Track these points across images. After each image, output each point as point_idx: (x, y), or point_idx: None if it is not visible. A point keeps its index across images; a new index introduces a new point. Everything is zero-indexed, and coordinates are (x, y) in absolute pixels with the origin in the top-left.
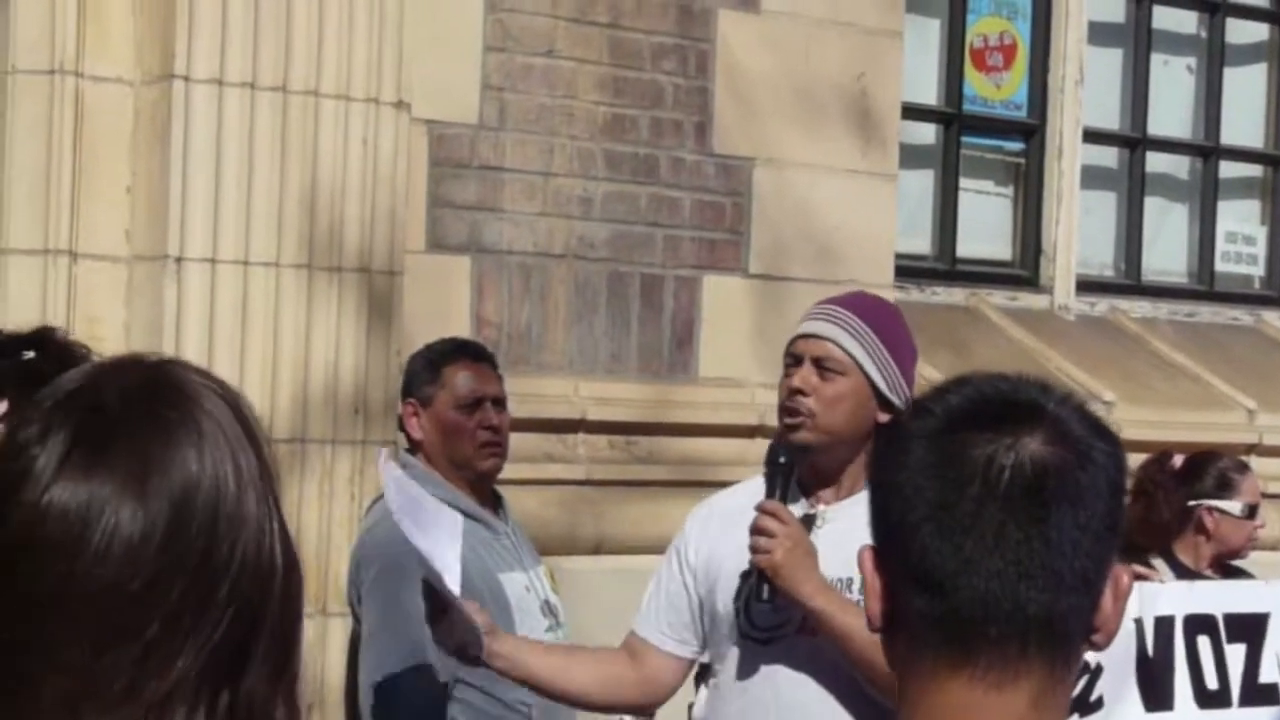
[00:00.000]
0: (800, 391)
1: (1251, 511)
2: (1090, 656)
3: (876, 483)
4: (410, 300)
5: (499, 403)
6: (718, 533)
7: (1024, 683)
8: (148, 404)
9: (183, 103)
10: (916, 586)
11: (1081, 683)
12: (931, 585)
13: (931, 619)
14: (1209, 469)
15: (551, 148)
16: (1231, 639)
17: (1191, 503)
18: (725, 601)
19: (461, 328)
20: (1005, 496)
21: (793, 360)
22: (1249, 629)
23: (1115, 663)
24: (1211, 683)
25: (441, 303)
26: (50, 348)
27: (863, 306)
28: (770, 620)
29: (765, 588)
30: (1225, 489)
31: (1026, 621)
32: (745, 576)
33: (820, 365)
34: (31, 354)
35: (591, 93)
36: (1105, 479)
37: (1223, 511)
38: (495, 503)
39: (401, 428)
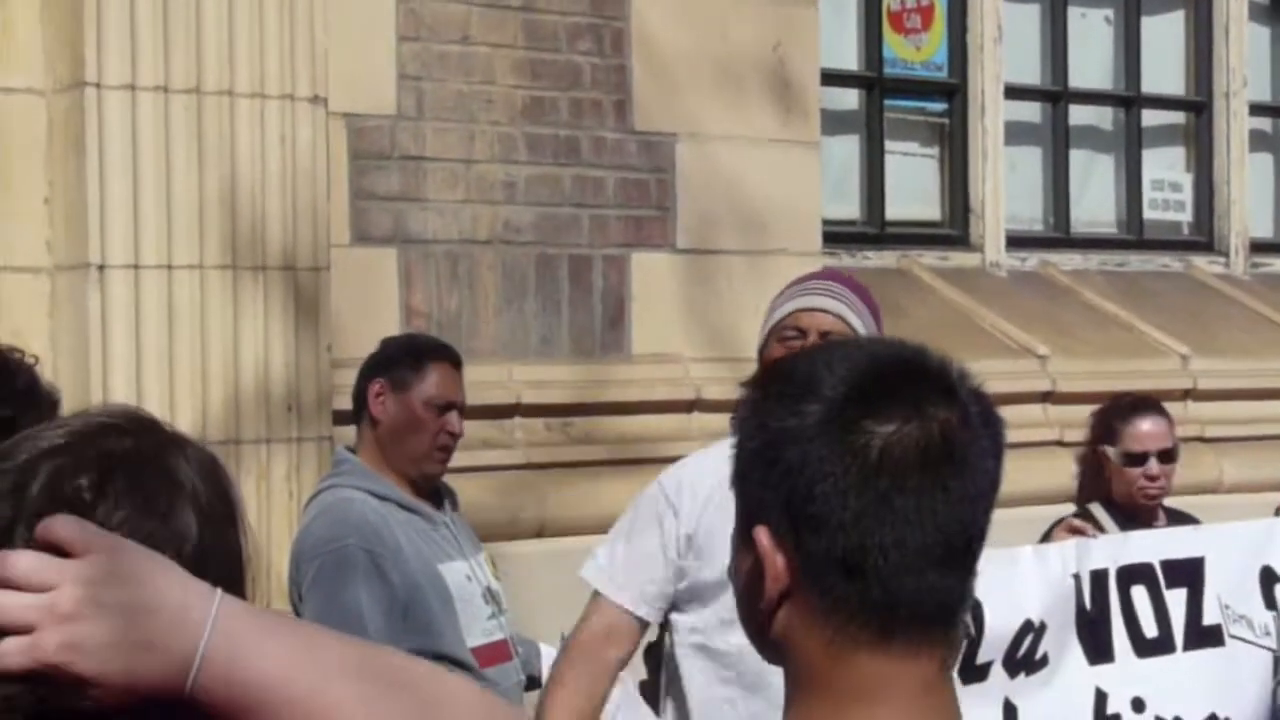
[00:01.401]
0: None
1: (1132, 460)
2: (1034, 616)
3: (771, 463)
4: (338, 294)
5: (463, 411)
6: (717, 508)
7: (932, 652)
8: None
9: (95, 110)
10: (836, 571)
11: (1026, 641)
12: (850, 570)
13: (848, 601)
14: (1106, 416)
15: (472, 134)
16: (1171, 585)
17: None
18: (723, 575)
19: (391, 319)
20: (917, 486)
21: (796, 334)
22: (1187, 574)
23: (1057, 620)
24: (1150, 630)
25: (370, 295)
26: None
27: (849, 283)
28: None
29: None
30: (1111, 437)
31: (936, 603)
32: None
33: (827, 339)
34: None
35: (509, 77)
36: (994, 442)
37: (1110, 460)
38: (435, 494)
39: (355, 408)
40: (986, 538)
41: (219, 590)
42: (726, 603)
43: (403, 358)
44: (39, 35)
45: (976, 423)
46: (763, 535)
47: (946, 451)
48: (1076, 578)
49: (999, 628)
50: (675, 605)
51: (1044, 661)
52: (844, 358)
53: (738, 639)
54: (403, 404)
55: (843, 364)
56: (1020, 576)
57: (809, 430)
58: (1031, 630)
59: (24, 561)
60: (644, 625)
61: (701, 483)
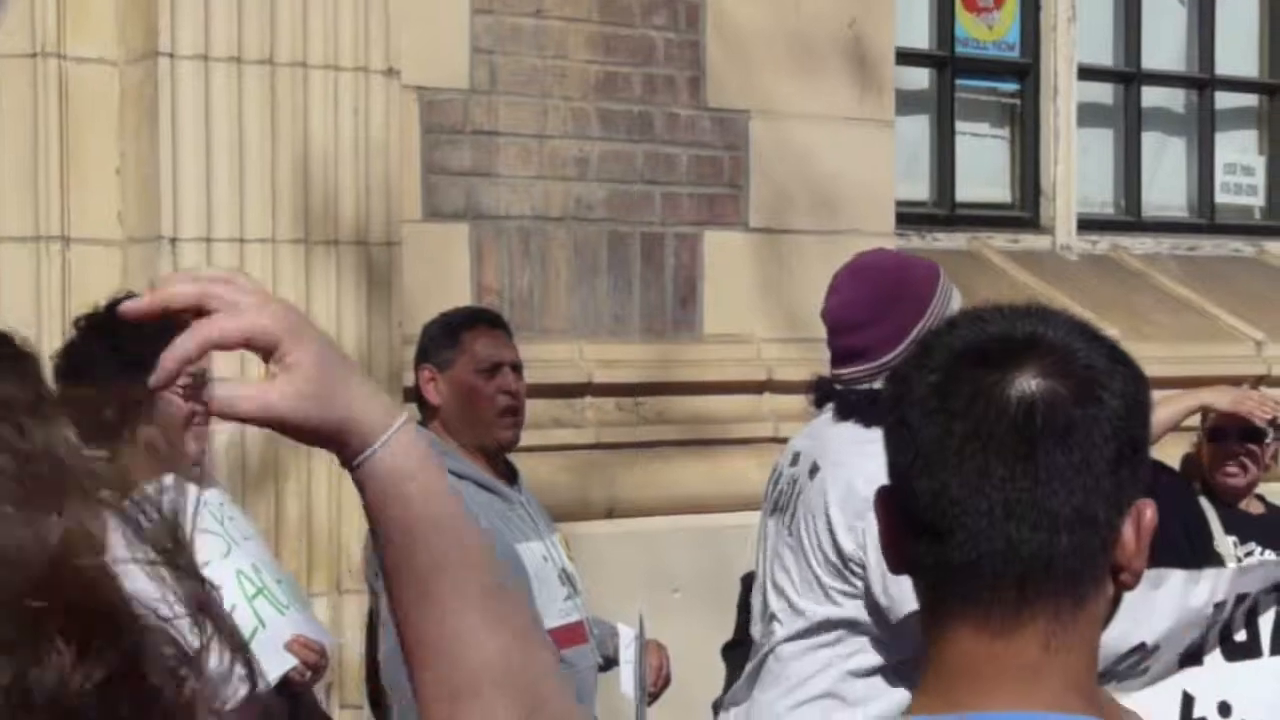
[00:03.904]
0: None
1: (1214, 437)
2: (1150, 639)
3: (883, 425)
4: (409, 270)
5: (517, 369)
6: None
7: (1029, 628)
8: None
9: (169, 80)
10: (913, 532)
11: (1131, 659)
12: (924, 529)
13: (930, 565)
14: None
15: (545, 109)
16: (1265, 591)
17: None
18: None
19: (462, 295)
20: (989, 434)
21: None
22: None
23: (1172, 644)
24: (1239, 635)
25: (441, 271)
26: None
27: None
28: None
29: None
30: (1202, 418)
31: (1022, 563)
32: None
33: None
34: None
35: (582, 51)
36: (1110, 412)
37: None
38: (509, 472)
39: (415, 397)
40: (1113, 510)
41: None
42: None
43: (439, 337)
44: (112, 4)
45: (1090, 387)
46: (878, 499)
47: (1027, 411)
48: (1219, 606)
49: (1110, 645)
50: None
51: (1142, 673)
52: (969, 322)
53: None
54: (452, 382)
55: (964, 327)
56: (1157, 599)
57: (907, 387)
58: (1142, 650)
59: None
60: None
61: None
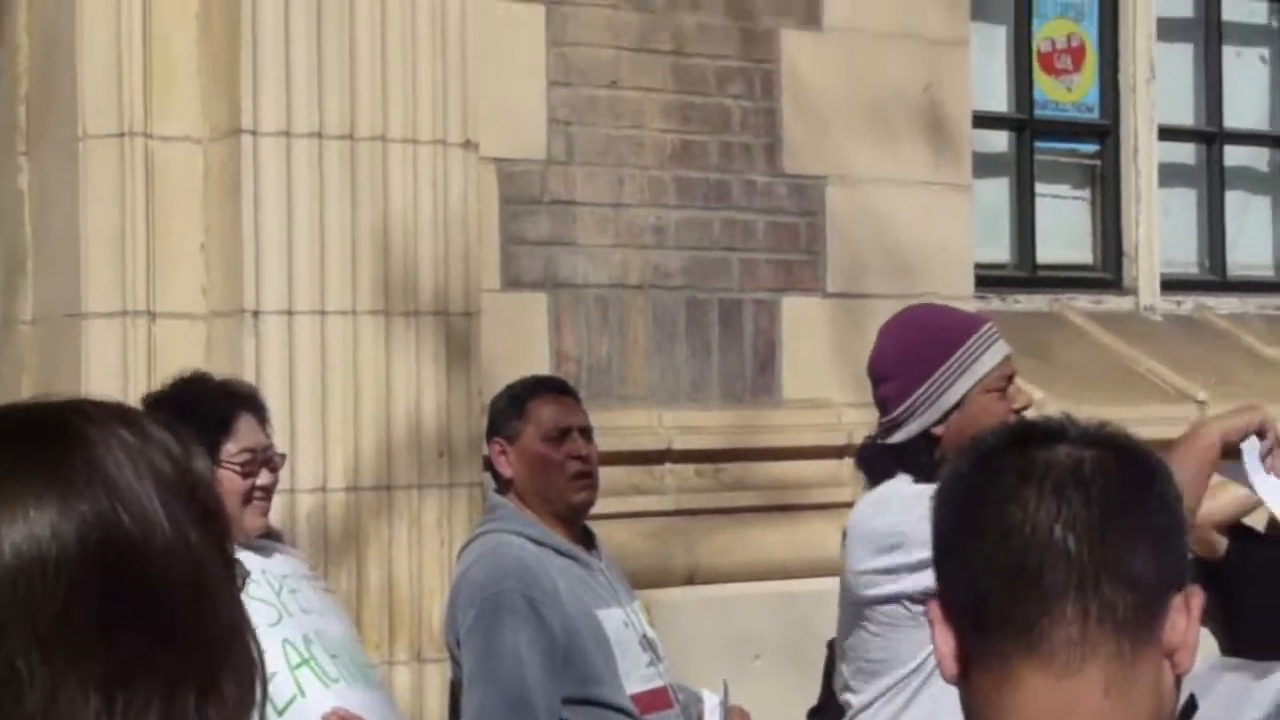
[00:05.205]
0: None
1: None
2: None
3: (933, 510)
4: (489, 339)
5: (586, 433)
6: None
7: (1091, 666)
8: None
9: (251, 156)
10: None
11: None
12: (985, 591)
13: (994, 614)
14: None
15: (621, 178)
16: None
17: None
18: None
19: (541, 364)
20: (1040, 494)
21: (1007, 382)
22: None
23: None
24: None
25: (520, 340)
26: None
27: None
28: None
29: None
30: None
31: (1083, 616)
32: None
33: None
34: None
35: (658, 120)
36: (1159, 482)
37: None
38: (588, 539)
39: (489, 468)
40: (1161, 579)
41: None
42: None
43: (506, 409)
44: (196, 83)
45: (1132, 460)
46: (934, 609)
47: (1076, 468)
48: None
49: None
50: None
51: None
52: (999, 429)
53: None
54: (521, 453)
55: (998, 430)
56: (1256, 690)
57: (962, 471)
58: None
59: None
60: None
61: None
